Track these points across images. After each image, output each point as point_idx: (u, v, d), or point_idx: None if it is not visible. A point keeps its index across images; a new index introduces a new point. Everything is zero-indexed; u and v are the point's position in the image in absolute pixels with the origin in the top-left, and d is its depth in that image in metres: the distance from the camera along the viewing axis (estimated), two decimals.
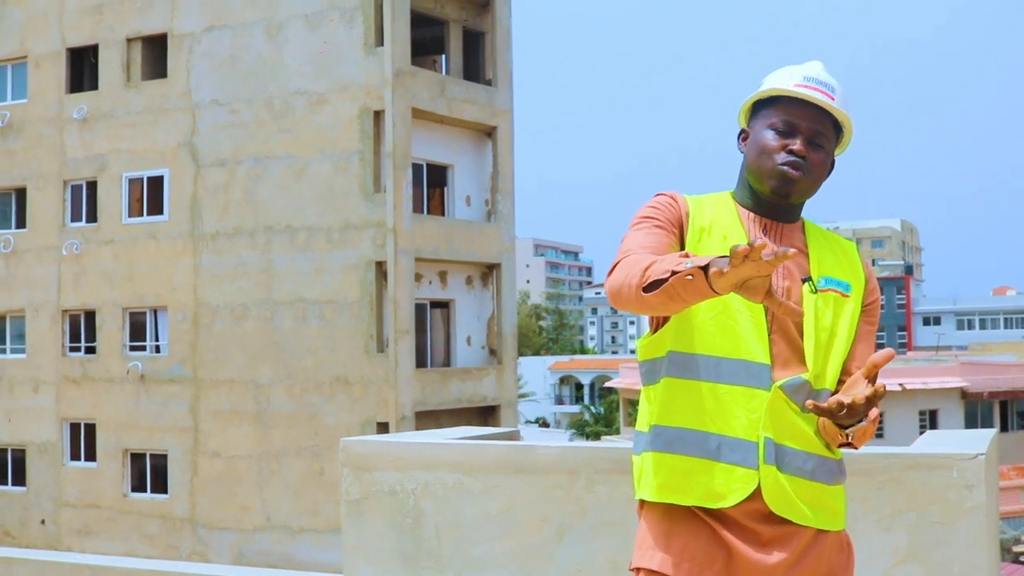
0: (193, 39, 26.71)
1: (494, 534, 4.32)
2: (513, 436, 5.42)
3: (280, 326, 25.33)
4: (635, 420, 2.63)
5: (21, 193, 29.18)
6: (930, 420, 38.64)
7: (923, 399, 38.53)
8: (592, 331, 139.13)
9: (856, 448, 2.43)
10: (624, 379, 46.41)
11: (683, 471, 2.45)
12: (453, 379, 25.74)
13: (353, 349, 24.55)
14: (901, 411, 36.29)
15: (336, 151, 24.88)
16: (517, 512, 4.28)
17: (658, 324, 2.53)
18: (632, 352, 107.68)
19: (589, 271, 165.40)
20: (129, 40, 27.65)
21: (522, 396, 60.49)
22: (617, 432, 54.33)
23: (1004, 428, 40.31)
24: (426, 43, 27.28)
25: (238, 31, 26.15)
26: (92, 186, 28.04)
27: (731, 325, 2.45)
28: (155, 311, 27.25)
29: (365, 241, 24.55)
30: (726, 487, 2.42)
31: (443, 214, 26.57)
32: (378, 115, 24.48)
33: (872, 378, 2.29)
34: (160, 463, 26.88)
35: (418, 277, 25.10)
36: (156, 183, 27.17)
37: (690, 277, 2.09)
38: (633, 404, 42.89)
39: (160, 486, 26.88)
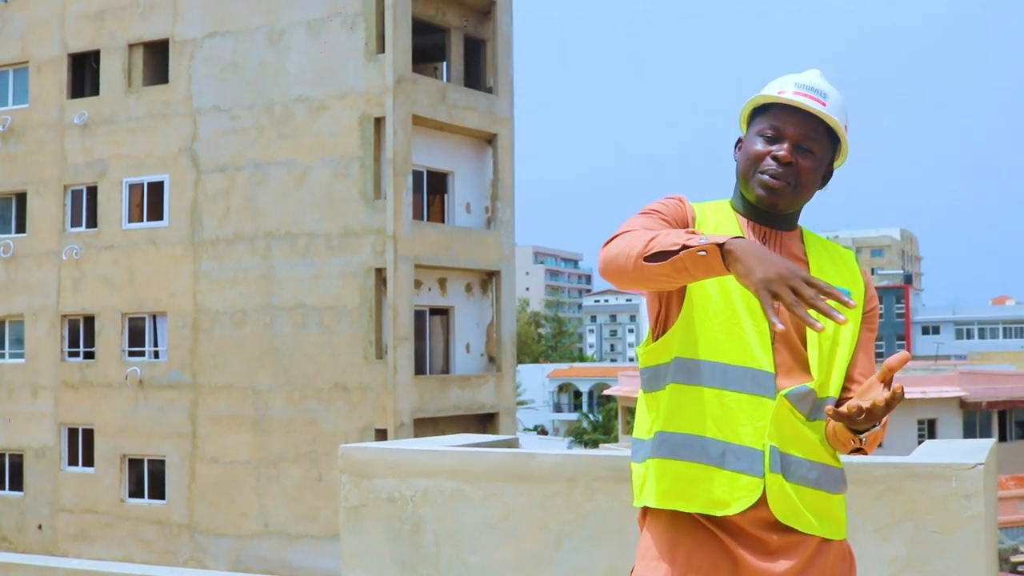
0: (194, 45, 26.75)
1: (493, 541, 4.33)
2: (512, 444, 5.45)
3: (279, 332, 25.34)
4: (634, 427, 2.61)
5: (21, 198, 29.22)
6: (929, 429, 38.63)
7: (922, 408, 38.53)
8: (591, 339, 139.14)
9: (867, 453, 2.43)
10: (623, 387, 46.40)
11: (688, 478, 2.43)
12: (452, 386, 25.74)
13: (352, 355, 24.55)
14: (899, 421, 36.25)
15: (336, 157, 24.91)
16: (516, 520, 4.29)
17: (660, 331, 2.52)
18: (631, 360, 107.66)
19: (588, 279, 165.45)
20: (131, 46, 27.70)
21: (521, 403, 60.52)
22: (615, 440, 54.30)
23: (1003, 438, 40.32)
24: (427, 50, 27.32)
25: (240, 37, 26.19)
26: (92, 191, 28.06)
27: (737, 332, 2.44)
28: (154, 316, 27.26)
29: (365, 248, 24.57)
30: (731, 495, 2.40)
31: (443, 221, 26.60)
32: (379, 122, 24.52)
33: (887, 381, 2.29)
34: (158, 469, 26.86)
35: (417, 284, 25.11)
36: (156, 188, 27.19)
37: (703, 253, 2.13)
38: (632, 412, 42.87)
39: (158, 492, 26.85)
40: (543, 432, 77.52)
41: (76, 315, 28.25)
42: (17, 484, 28.62)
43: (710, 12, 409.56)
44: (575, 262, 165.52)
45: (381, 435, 23.65)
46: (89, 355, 28.06)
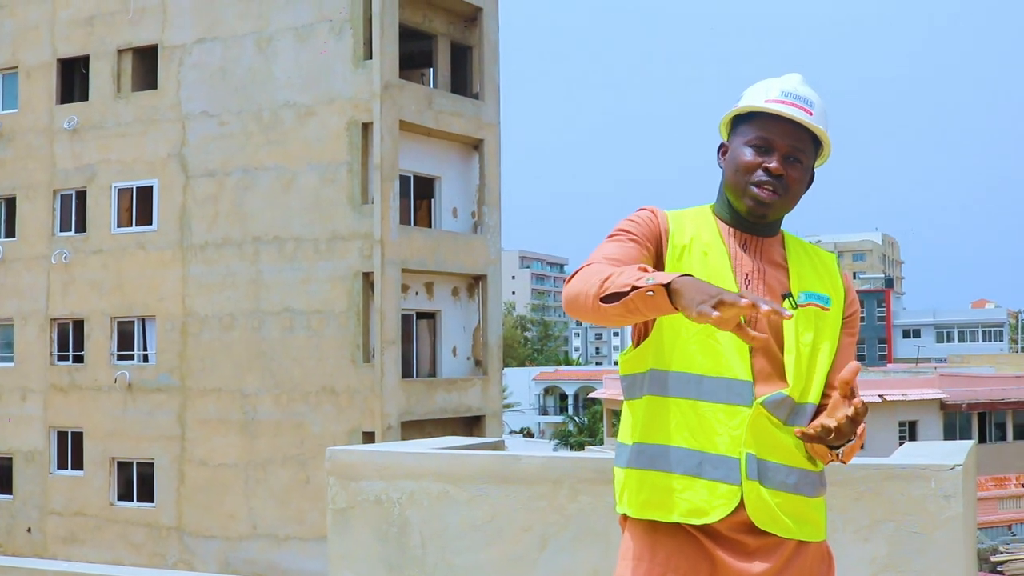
0: (184, 51, 26.84)
1: (478, 543, 4.35)
2: (498, 446, 5.47)
3: (267, 336, 25.43)
4: (618, 431, 2.65)
5: (11, 202, 29.22)
6: (909, 431, 38.85)
7: (903, 410, 38.79)
8: (577, 342, 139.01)
9: (845, 463, 2.43)
10: (608, 390, 46.52)
11: (666, 488, 2.45)
12: (439, 389, 25.84)
13: (339, 359, 24.65)
14: (880, 422, 36.49)
15: (324, 163, 25.02)
16: (501, 521, 4.31)
17: (640, 338, 2.53)
18: (616, 363, 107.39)
19: None
20: (120, 51, 27.73)
21: (507, 406, 60.56)
22: (601, 442, 54.47)
23: (982, 439, 40.55)
24: (414, 56, 27.40)
25: (228, 43, 26.28)
26: (81, 196, 28.09)
27: (712, 344, 2.44)
28: (143, 320, 27.32)
29: (352, 252, 24.68)
30: (709, 503, 2.42)
31: (430, 226, 26.69)
32: (366, 127, 24.61)
33: (848, 395, 2.29)
34: (147, 471, 26.90)
35: (404, 288, 25.21)
36: (145, 193, 27.26)
37: (651, 294, 2.11)
38: (617, 415, 43.03)
39: (147, 494, 26.89)
40: (529, 435, 77.55)
41: (65, 319, 28.29)
42: (6, 487, 28.58)
43: (698, 18, 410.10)
44: (561, 266, 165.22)
45: (368, 438, 23.74)
46: (78, 359, 28.09)
